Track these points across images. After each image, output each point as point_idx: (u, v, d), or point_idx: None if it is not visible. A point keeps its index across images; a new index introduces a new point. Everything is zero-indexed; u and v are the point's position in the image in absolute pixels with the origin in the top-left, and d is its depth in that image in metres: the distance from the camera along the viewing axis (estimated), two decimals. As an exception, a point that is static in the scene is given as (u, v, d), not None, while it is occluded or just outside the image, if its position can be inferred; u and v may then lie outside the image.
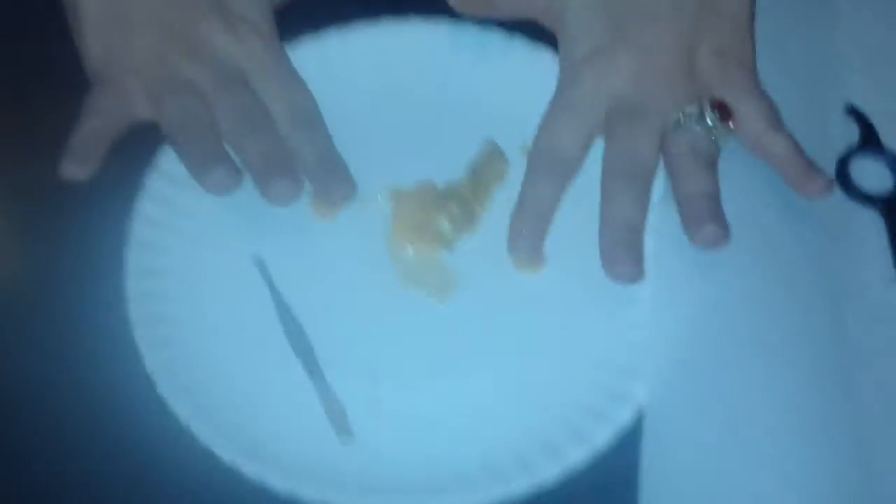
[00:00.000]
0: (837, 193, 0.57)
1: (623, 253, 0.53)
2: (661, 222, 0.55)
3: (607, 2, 0.57)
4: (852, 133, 0.59)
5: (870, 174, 0.58)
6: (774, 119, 0.56)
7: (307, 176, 0.55)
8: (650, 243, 0.54)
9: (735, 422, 0.50)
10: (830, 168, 0.57)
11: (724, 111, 0.55)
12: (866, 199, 0.57)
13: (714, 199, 0.54)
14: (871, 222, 0.57)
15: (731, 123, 0.55)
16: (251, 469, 0.48)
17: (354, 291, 0.54)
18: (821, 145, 0.57)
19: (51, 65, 0.60)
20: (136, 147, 0.57)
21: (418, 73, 0.59)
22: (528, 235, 0.55)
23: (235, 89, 0.56)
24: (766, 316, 0.52)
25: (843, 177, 0.57)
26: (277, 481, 0.48)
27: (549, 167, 0.55)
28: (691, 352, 0.52)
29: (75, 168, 0.55)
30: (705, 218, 0.53)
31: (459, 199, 0.55)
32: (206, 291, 0.54)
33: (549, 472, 0.49)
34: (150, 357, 0.51)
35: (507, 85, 0.58)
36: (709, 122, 0.54)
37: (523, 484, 0.49)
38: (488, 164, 0.57)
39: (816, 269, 0.55)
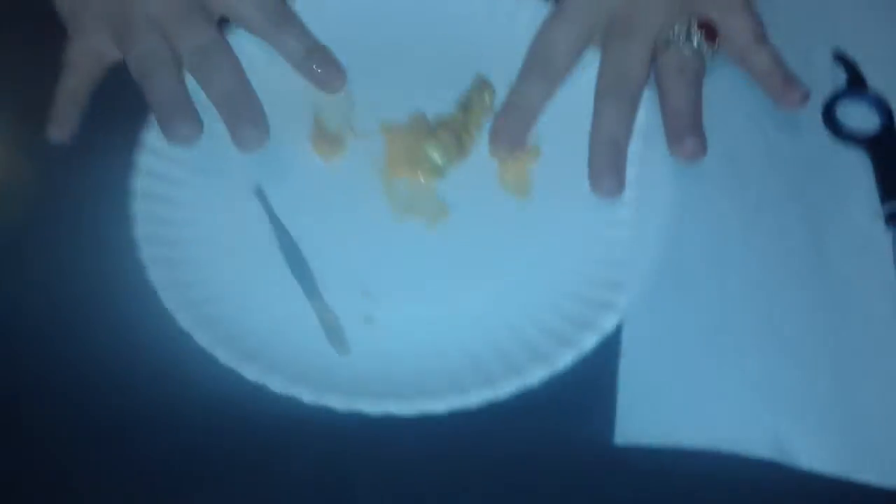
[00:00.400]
0: (824, 134, 0.59)
1: (607, 169, 0.55)
2: (644, 151, 0.56)
3: None
4: (839, 77, 0.60)
5: (856, 115, 0.59)
6: (759, 34, 0.58)
7: (300, 72, 0.59)
8: (635, 169, 0.56)
9: (707, 329, 0.53)
10: (817, 110, 0.59)
11: (709, 30, 0.57)
12: (852, 138, 0.59)
13: (695, 114, 0.56)
14: (857, 160, 0.58)
15: (715, 42, 0.57)
16: (251, 371, 0.51)
17: (350, 218, 0.57)
18: (809, 87, 0.59)
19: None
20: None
21: (409, 14, 0.62)
22: (511, 131, 0.57)
23: (197, 23, 0.58)
24: (742, 238, 0.55)
25: (829, 118, 0.59)
26: (277, 384, 0.51)
27: (541, 70, 0.58)
28: (670, 267, 0.54)
29: (60, 131, 0.58)
30: (685, 131, 0.55)
31: (450, 130, 0.58)
32: (209, 217, 0.56)
33: (536, 375, 0.51)
34: (154, 272, 0.53)
35: (495, 23, 0.61)
36: (693, 43, 0.57)
37: (511, 386, 0.51)
38: (477, 95, 0.59)
39: (799, 202, 0.57)
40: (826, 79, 0.60)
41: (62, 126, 0.58)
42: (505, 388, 0.51)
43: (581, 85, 0.58)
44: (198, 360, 0.52)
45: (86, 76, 0.59)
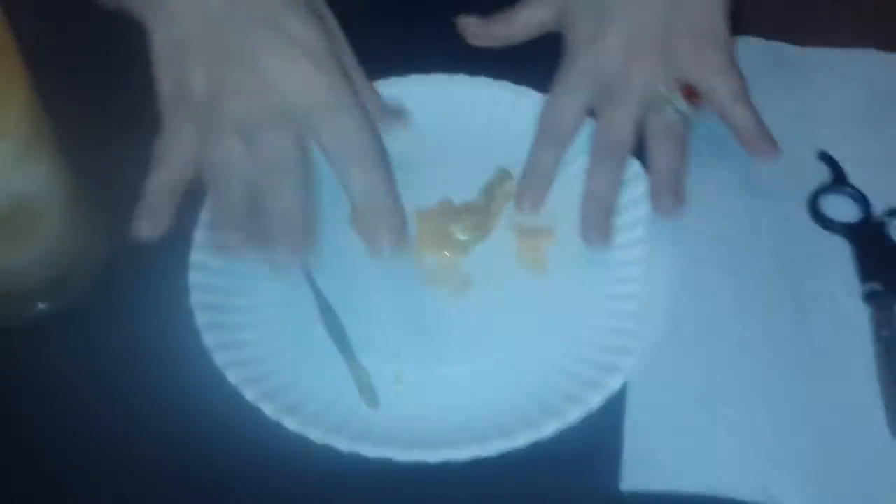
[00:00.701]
0: (809, 223, 0.66)
1: (594, 225, 0.63)
2: (650, 234, 0.64)
3: None
4: (823, 173, 0.68)
5: (837, 207, 0.66)
6: (739, 94, 0.66)
7: (360, 217, 0.59)
8: (643, 248, 0.63)
9: (703, 390, 0.59)
10: (804, 202, 0.66)
11: (691, 94, 0.65)
12: (835, 227, 0.66)
13: (677, 174, 0.64)
14: (838, 246, 0.65)
15: (697, 104, 0.65)
16: (292, 423, 0.57)
17: (384, 288, 0.63)
18: (795, 183, 0.67)
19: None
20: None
21: (442, 117, 0.69)
22: (532, 194, 0.65)
23: (280, 138, 0.58)
24: (734, 312, 0.61)
25: (814, 209, 0.66)
26: (316, 435, 0.57)
27: (551, 138, 0.66)
28: (671, 336, 0.61)
29: (150, 228, 0.59)
30: (664, 190, 0.63)
31: (474, 214, 0.65)
32: (257, 286, 0.63)
33: (548, 428, 0.57)
34: (207, 336, 0.60)
35: (515, 123, 0.69)
36: (677, 105, 0.65)
37: (526, 438, 0.57)
38: (499, 185, 0.67)
39: (786, 282, 0.63)
40: (811, 175, 0.68)
41: (154, 223, 0.59)
42: (519, 440, 0.57)
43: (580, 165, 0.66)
44: (245, 414, 0.58)
45: (175, 172, 0.60)
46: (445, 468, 0.57)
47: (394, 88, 0.69)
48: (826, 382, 0.60)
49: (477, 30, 0.72)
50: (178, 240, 0.64)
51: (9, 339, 0.63)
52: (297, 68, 0.58)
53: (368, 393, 0.60)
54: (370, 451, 0.56)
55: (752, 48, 0.71)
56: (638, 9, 0.66)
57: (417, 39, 0.73)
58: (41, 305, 0.64)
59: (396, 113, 0.67)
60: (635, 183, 0.66)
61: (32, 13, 0.58)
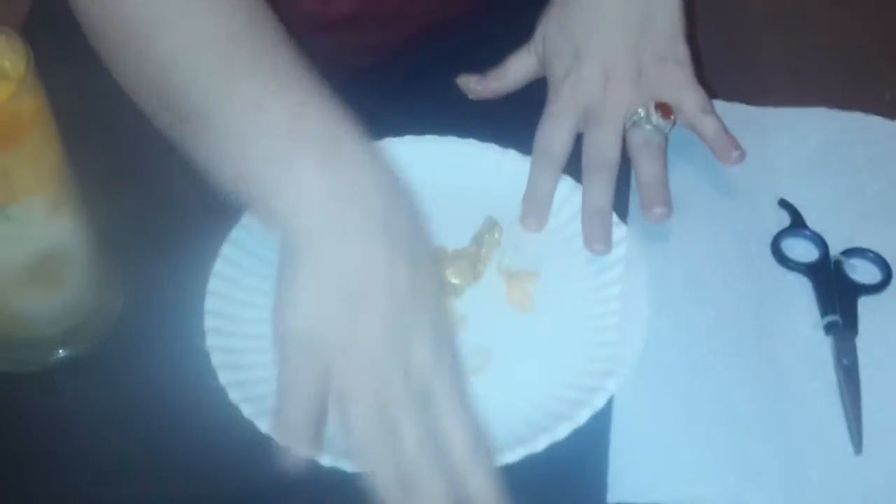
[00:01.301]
0: (772, 263, 0.72)
1: (597, 235, 0.70)
2: (626, 274, 0.69)
3: (571, 32, 0.76)
4: (784, 218, 0.74)
5: (798, 248, 0.72)
6: (705, 106, 0.74)
7: None
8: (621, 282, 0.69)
9: (681, 412, 0.64)
10: (767, 244, 0.72)
11: (665, 109, 0.73)
12: (795, 266, 0.71)
13: (662, 184, 0.71)
14: (799, 283, 0.71)
15: (671, 118, 0.73)
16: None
17: None
18: (759, 227, 0.73)
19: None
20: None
21: (435, 174, 0.73)
22: (535, 213, 0.72)
23: (418, 422, 0.56)
24: (707, 344, 0.67)
25: (776, 250, 0.72)
26: (325, 459, 0.60)
27: (545, 160, 0.73)
28: (650, 365, 0.66)
29: (303, 448, 0.56)
30: (655, 202, 0.70)
31: (465, 259, 0.71)
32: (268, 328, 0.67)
33: (540, 444, 0.62)
34: (222, 375, 0.65)
35: (502, 176, 0.74)
36: (653, 121, 0.73)
37: (518, 454, 0.62)
38: (489, 233, 0.72)
39: (752, 316, 0.69)
40: (773, 220, 0.74)
41: (304, 444, 0.57)
42: (512, 457, 0.62)
43: (564, 225, 0.72)
44: (259, 454, 0.61)
45: (312, 405, 0.57)
46: None
47: (390, 147, 0.75)
48: (793, 405, 0.65)
49: (475, 86, 0.80)
50: (189, 291, 0.69)
51: (31, 383, 0.67)
52: (441, 357, 0.58)
53: None
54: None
55: (717, 108, 0.77)
56: (607, 38, 0.75)
57: (411, 103, 0.79)
58: (61, 352, 0.68)
59: None
60: (621, 245, 0.71)
61: (64, 83, 0.63)
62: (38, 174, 0.62)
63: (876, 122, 0.79)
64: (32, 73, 0.59)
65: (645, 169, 0.72)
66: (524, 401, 0.65)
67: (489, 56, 0.80)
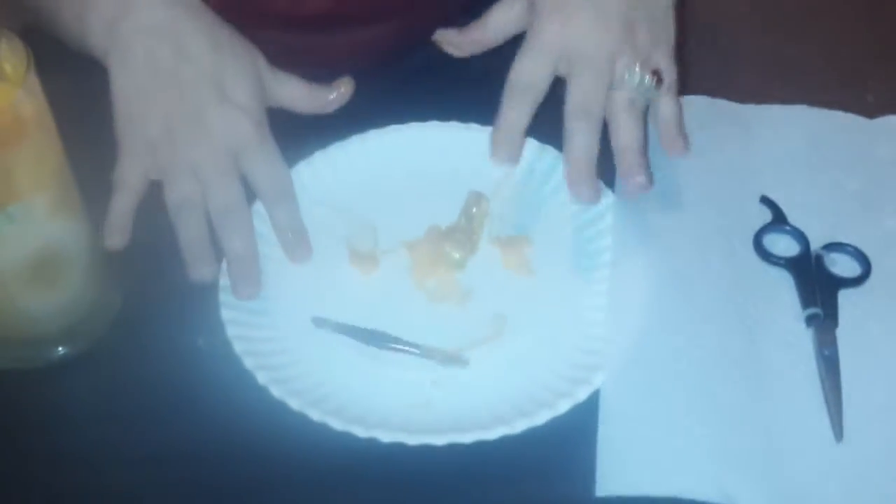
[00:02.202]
0: (755, 258, 0.74)
1: (583, 181, 0.70)
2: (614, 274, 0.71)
3: None
4: (765, 214, 0.76)
5: (779, 244, 0.74)
6: (672, 85, 0.73)
7: (278, 238, 0.71)
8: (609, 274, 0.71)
9: (667, 405, 0.66)
10: (749, 240, 0.74)
11: (657, 76, 0.72)
12: (777, 260, 0.73)
13: (641, 152, 0.71)
14: (781, 277, 0.73)
15: (662, 84, 0.72)
16: (337, 423, 0.64)
17: (395, 312, 0.71)
18: (741, 223, 0.74)
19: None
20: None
21: (420, 160, 0.77)
22: (504, 147, 0.72)
23: (227, 182, 0.70)
24: (693, 337, 0.68)
25: (759, 246, 0.74)
26: (360, 430, 0.63)
27: (520, 95, 0.72)
28: (638, 358, 0.68)
29: (118, 240, 0.70)
30: (634, 170, 0.71)
31: (460, 232, 0.73)
32: (290, 321, 0.71)
33: (561, 406, 0.65)
34: (247, 360, 0.67)
35: (479, 153, 0.76)
36: (645, 82, 0.71)
37: (543, 418, 0.65)
38: (476, 205, 0.74)
39: (736, 310, 0.71)
40: (755, 216, 0.75)
41: (120, 236, 0.70)
42: (518, 427, 0.64)
43: (549, 187, 0.75)
44: (257, 436, 0.65)
45: (136, 194, 0.71)
46: (426, 480, 0.64)
47: (372, 138, 0.79)
48: (776, 395, 0.67)
49: (455, 39, 0.77)
50: (184, 293, 0.71)
51: (31, 380, 0.69)
52: (233, 121, 0.71)
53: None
54: (385, 436, 0.64)
55: (699, 105, 0.79)
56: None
57: (391, 96, 0.82)
58: (61, 349, 0.70)
59: (333, 90, 0.76)
60: (603, 216, 0.74)
61: (64, 84, 0.66)
62: (39, 174, 0.64)
63: (856, 122, 0.80)
64: (33, 75, 0.61)
65: (626, 133, 0.71)
66: (541, 365, 0.68)
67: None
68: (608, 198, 0.74)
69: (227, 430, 0.66)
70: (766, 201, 0.76)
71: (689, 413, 0.65)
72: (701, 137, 0.77)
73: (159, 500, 0.65)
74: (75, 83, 0.74)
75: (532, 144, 0.77)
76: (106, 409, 0.68)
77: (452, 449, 0.64)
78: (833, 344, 0.69)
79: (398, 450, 0.63)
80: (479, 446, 0.64)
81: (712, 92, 0.81)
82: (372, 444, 0.64)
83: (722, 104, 0.80)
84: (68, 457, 0.66)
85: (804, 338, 0.70)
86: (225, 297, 0.70)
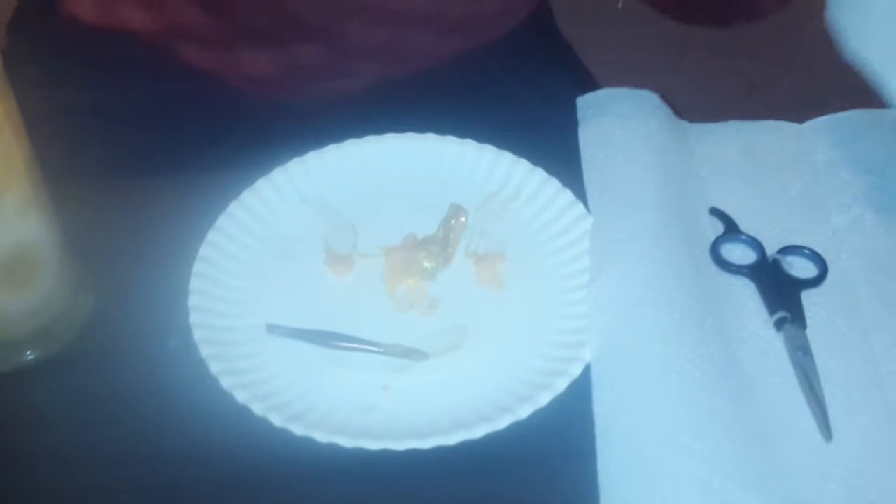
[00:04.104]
0: (714, 268, 0.74)
1: None
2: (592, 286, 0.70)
3: None
4: (717, 226, 0.76)
5: (736, 252, 0.75)
6: None
7: None
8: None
9: (664, 424, 0.65)
10: (706, 250, 0.74)
11: None
12: (737, 270, 0.74)
13: None
14: (743, 285, 0.73)
15: None
16: (298, 428, 0.64)
17: (363, 314, 0.71)
18: (697, 234, 0.75)
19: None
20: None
21: (396, 164, 0.79)
22: None
23: None
24: (678, 348, 0.68)
25: (716, 256, 0.74)
26: (321, 436, 0.64)
27: None
28: (628, 374, 0.67)
29: None
30: None
31: (435, 243, 0.73)
32: (257, 320, 0.71)
33: (523, 411, 0.65)
34: (213, 365, 0.67)
35: (463, 165, 0.78)
36: None
37: (505, 422, 0.64)
38: (455, 217, 0.75)
39: (711, 319, 0.70)
40: (709, 227, 0.76)
41: None
42: (500, 424, 0.64)
43: (533, 209, 0.76)
44: (229, 443, 0.65)
45: None
46: (420, 484, 0.64)
47: (354, 147, 0.79)
48: (760, 403, 0.67)
49: None
50: (159, 292, 0.71)
51: (0, 383, 0.68)
52: None
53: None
54: (371, 444, 0.64)
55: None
56: None
57: (371, 113, 0.83)
58: (29, 354, 0.69)
59: None
60: (580, 223, 0.75)
61: (31, 84, 0.66)
62: (8, 173, 0.63)
63: (785, 127, 0.82)
64: (1, 76, 0.61)
65: None
66: (502, 373, 0.68)
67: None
68: (588, 221, 0.74)
69: (199, 432, 0.66)
70: (716, 212, 0.77)
71: (685, 429, 0.64)
72: (656, 154, 0.78)
73: (130, 501, 0.64)
74: (45, 84, 0.74)
75: (523, 165, 0.78)
76: (76, 412, 0.68)
77: (412, 454, 0.64)
78: (805, 345, 0.70)
79: (361, 453, 0.64)
80: (441, 451, 0.64)
81: (688, 115, 0.83)
82: (335, 447, 0.64)
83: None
84: (39, 459, 0.65)
85: (775, 342, 0.70)
86: (194, 300, 0.69)
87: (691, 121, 0.83)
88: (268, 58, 0.90)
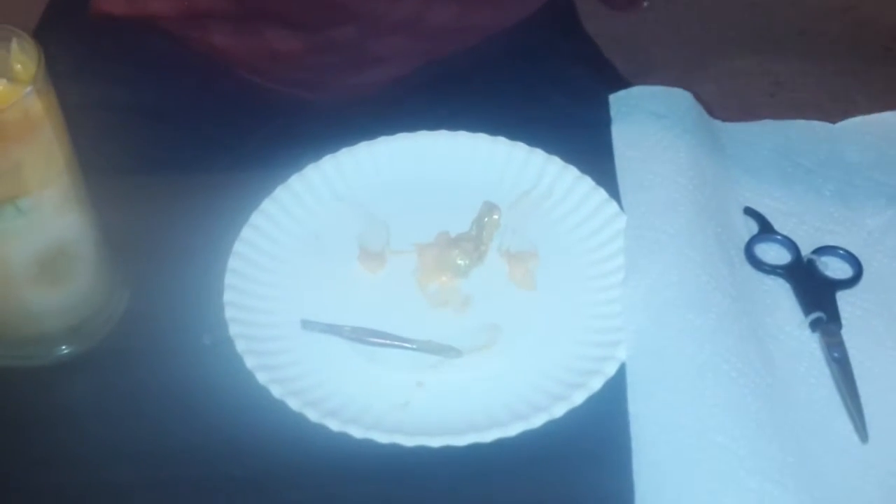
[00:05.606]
0: (748, 268, 0.74)
1: None
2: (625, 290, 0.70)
3: None
4: (752, 226, 0.76)
5: (770, 252, 0.75)
6: None
7: None
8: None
9: (699, 425, 0.64)
10: (741, 250, 0.74)
11: None
12: (772, 270, 0.74)
13: None
14: (778, 285, 0.73)
15: None
16: (334, 424, 0.64)
17: (399, 310, 0.72)
18: (731, 234, 0.74)
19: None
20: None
21: (431, 168, 0.79)
22: None
23: None
24: (715, 348, 0.67)
25: (751, 256, 0.74)
26: (356, 431, 0.64)
27: None
28: (663, 376, 0.67)
29: None
30: None
31: (469, 241, 0.73)
32: (292, 316, 0.71)
33: (558, 410, 0.65)
34: (248, 360, 0.67)
35: (495, 162, 0.78)
36: None
37: (540, 420, 0.64)
38: (488, 215, 0.75)
39: (746, 320, 0.70)
40: (742, 227, 0.76)
41: None
42: (513, 431, 0.64)
43: (566, 207, 0.76)
44: (260, 441, 0.65)
45: None
46: (454, 481, 0.64)
47: (385, 145, 0.79)
48: (796, 404, 0.67)
49: None
50: (193, 289, 0.71)
51: (33, 379, 0.68)
52: None
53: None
54: (406, 440, 0.64)
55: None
56: None
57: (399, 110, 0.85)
58: (65, 349, 0.69)
59: None
60: (614, 221, 0.74)
61: (72, 82, 0.66)
62: (48, 169, 0.64)
63: (817, 127, 0.82)
64: (43, 74, 0.61)
65: None
66: (536, 371, 0.68)
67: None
68: (621, 220, 0.74)
69: (234, 427, 0.66)
70: (750, 212, 0.76)
71: (720, 429, 0.64)
72: (690, 154, 0.77)
73: (163, 497, 0.64)
74: (87, 81, 0.75)
75: (556, 163, 0.78)
76: (111, 407, 0.68)
77: (445, 451, 0.64)
78: (841, 345, 0.69)
79: (394, 450, 0.64)
80: (475, 448, 0.64)
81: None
82: (369, 443, 0.64)
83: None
84: (72, 455, 0.66)
85: (811, 343, 0.70)
86: (229, 296, 0.69)
87: (720, 120, 0.82)
88: (293, 35, 0.90)
